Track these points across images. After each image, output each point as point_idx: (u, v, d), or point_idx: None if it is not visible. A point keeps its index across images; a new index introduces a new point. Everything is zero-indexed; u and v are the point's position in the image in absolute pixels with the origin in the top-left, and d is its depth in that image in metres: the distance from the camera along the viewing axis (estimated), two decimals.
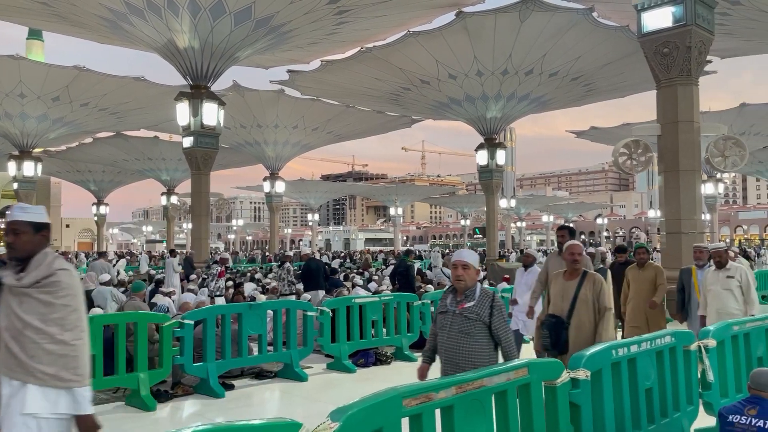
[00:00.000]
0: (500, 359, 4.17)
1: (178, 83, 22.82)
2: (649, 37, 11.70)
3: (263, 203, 54.99)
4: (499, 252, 33.33)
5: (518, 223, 72.92)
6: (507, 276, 15.51)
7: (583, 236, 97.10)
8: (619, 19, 19.74)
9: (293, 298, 12.25)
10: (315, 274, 13.19)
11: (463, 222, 76.80)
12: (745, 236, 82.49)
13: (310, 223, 69.14)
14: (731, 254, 12.22)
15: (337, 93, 27.40)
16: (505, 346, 4.17)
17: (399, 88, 25.18)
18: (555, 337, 5.24)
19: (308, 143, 34.62)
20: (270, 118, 30.50)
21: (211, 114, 19.92)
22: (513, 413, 3.57)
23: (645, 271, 8.11)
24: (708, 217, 40.81)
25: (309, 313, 8.71)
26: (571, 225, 7.07)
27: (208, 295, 12.80)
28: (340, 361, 8.78)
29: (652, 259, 9.88)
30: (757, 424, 3.79)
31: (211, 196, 23.86)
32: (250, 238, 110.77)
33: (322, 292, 12.88)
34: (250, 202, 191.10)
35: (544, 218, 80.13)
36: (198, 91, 19.84)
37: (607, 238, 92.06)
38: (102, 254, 23.25)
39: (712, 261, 7.43)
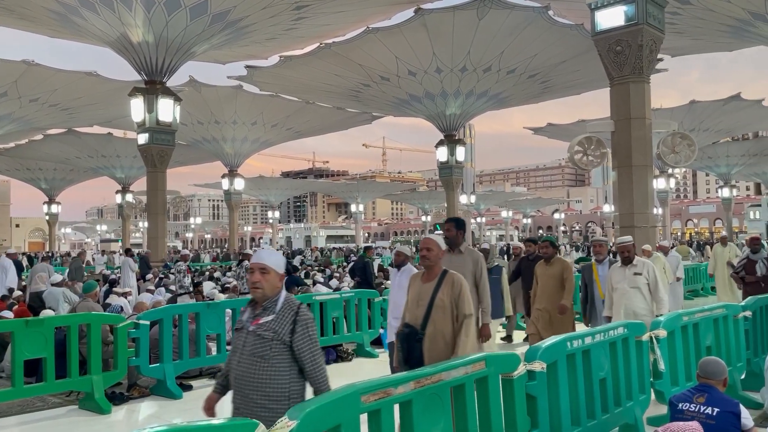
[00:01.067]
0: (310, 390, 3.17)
1: (133, 78, 22.29)
2: (603, 36, 11.96)
3: (222, 201, 54.18)
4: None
5: (478, 219, 73.72)
6: None
7: (540, 231, 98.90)
8: (574, 17, 20.13)
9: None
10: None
11: (424, 218, 77.28)
12: (696, 230, 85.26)
13: (271, 221, 68.54)
14: (666, 245, 12.52)
15: (297, 89, 27.20)
16: (310, 372, 3.09)
17: (359, 84, 25.16)
18: (407, 350, 4.35)
19: (267, 140, 34.29)
20: (228, 114, 30.08)
21: (167, 110, 19.53)
22: (471, 406, 3.61)
23: (551, 267, 7.37)
24: (660, 211, 42.04)
25: None
26: (459, 217, 6.21)
27: (181, 293, 12.60)
28: None
29: (611, 257, 10.08)
30: (705, 411, 3.91)
31: (168, 193, 23.38)
32: (209, 236, 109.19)
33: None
34: (209, 200, 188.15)
35: (504, 214, 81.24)
36: (153, 87, 19.42)
37: (564, 232, 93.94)
38: (80, 254, 22.53)
39: (618, 256, 6.91)
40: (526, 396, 3.95)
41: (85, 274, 18.54)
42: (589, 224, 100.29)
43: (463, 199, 46.61)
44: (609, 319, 6.62)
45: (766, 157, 44.66)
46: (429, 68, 23.28)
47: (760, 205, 62.53)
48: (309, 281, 15.54)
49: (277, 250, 36.03)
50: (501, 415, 3.78)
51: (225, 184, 35.50)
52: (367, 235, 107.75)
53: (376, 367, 8.96)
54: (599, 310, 7.23)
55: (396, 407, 3.18)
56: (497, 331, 10.17)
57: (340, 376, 8.15)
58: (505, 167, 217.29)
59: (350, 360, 9.31)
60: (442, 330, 4.36)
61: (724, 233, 12.28)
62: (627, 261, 6.65)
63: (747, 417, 3.94)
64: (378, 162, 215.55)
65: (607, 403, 4.70)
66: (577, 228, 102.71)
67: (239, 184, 35.54)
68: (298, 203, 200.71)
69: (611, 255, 9.47)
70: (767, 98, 33.19)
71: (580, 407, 4.41)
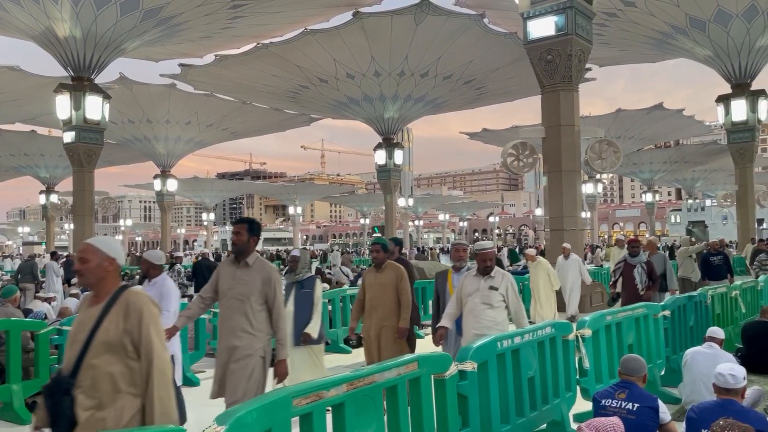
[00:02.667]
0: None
1: (59, 74, 21.32)
2: (534, 45, 12.33)
3: (154, 202, 52.56)
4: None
5: (416, 222, 74.47)
6: None
7: (476, 233, 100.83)
8: (508, 26, 20.68)
9: (185, 300, 11.82)
10: (206, 275, 12.79)
11: (362, 221, 77.34)
12: (622, 233, 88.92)
13: (205, 223, 66.99)
14: (531, 252, 12.56)
15: (233, 89, 26.73)
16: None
17: (297, 85, 24.98)
18: (51, 408, 2.67)
19: (202, 140, 33.51)
20: (161, 113, 29.22)
21: (95, 108, 18.79)
22: (403, 407, 3.65)
23: (382, 274, 6.06)
24: (588, 215, 43.72)
25: (201, 316, 8.42)
26: (252, 218, 4.80)
27: None
28: None
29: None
30: (626, 407, 4.10)
31: (96, 194, 22.52)
32: (139, 239, 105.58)
33: None
34: (140, 201, 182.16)
35: (441, 217, 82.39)
36: (80, 83, 18.64)
37: (499, 235, 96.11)
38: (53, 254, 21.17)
39: (475, 264, 5.65)
40: (457, 395, 4.02)
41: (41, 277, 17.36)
42: (522, 227, 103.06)
43: (401, 202, 47.01)
44: (443, 331, 5.69)
45: (687, 164, 47.15)
46: (367, 71, 23.37)
47: (680, 210, 65.87)
48: None
49: (213, 253, 35.22)
50: (433, 414, 3.84)
51: (157, 185, 34.46)
52: (305, 237, 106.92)
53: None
54: (453, 327, 5.78)
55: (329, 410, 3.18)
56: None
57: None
58: (443, 171, 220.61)
59: None
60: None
61: (620, 235, 12.33)
62: (485, 271, 5.48)
63: (665, 411, 4.15)
64: (317, 164, 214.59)
65: (535, 400, 4.84)
66: (510, 231, 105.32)
67: (172, 185, 34.58)
68: (234, 205, 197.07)
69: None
70: (687, 108, 35.13)
71: (509, 405, 4.53)
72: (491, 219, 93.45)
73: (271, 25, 21.66)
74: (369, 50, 21.87)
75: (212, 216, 61.34)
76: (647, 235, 11.46)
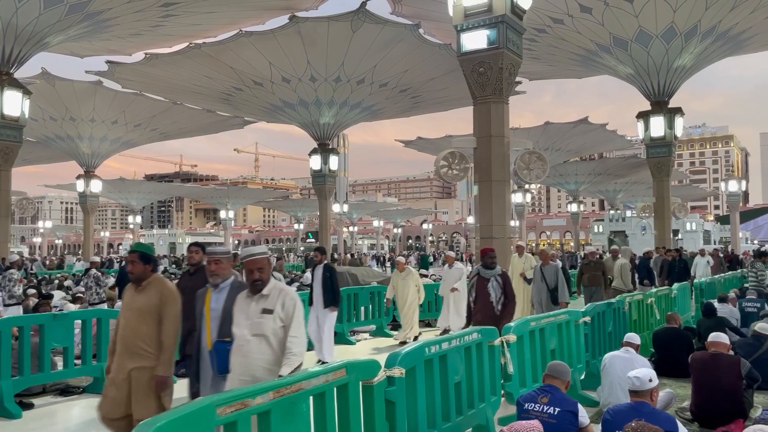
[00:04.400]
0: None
1: None
2: (467, 57, 12.59)
3: (77, 203, 50.26)
4: (332, 255, 33.75)
5: (351, 228, 74.44)
6: None
7: (410, 240, 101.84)
8: (443, 37, 21.07)
9: (105, 306, 11.36)
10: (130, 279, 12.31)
11: (296, 226, 76.66)
12: (548, 241, 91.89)
13: (131, 226, 64.56)
14: (452, 255, 12.31)
15: (163, 88, 25.97)
16: None
17: (230, 87, 24.54)
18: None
19: (130, 140, 32.35)
20: (85, 111, 28.02)
21: (14, 103, 17.85)
22: (331, 414, 3.64)
23: (140, 295, 4.49)
24: (517, 223, 45.00)
25: None
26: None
27: (10, 303, 11.40)
28: None
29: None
30: (548, 411, 4.25)
31: (13, 194, 21.29)
32: (60, 241, 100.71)
33: None
34: (61, 202, 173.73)
35: (375, 223, 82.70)
36: None
37: (432, 242, 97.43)
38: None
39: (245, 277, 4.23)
40: (385, 401, 4.05)
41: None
42: (455, 234, 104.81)
43: (336, 208, 46.96)
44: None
45: (609, 176, 49.33)
46: (303, 76, 23.24)
47: (603, 220, 68.74)
48: None
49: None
50: (360, 421, 3.85)
51: (80, 185, 32.96)
52: (237, 242, 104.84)
53: None
54: (208, 361, 4.43)
55: (254, 418, 3.14)
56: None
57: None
58: (378, 178, 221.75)
59: None
60: None
61: (520, 242, 12.40)
62: (254, 287, 4.09)
63: (584, 415, 4.32)
64: (250, 168, 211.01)
65: (461, 405, 4.94)
66: (443, 238, 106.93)
67: (96, 186, 33.15)
68: (163, 208, 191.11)
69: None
70: (610, 123, 36.80)
71: (436, 410, 4.59)
72: (425, 226, 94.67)
73: (204, 25, 21.21)
74: (305, 54, 21.76)
75: (139, 219, 59.13)
76: (519, 242, 11.42)
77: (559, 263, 10.95)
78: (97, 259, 14.33)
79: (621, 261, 14.23)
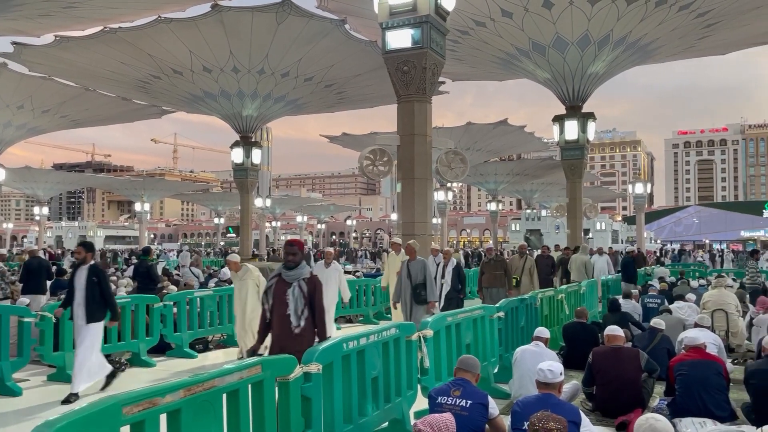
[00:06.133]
0: None
1: None
2: (392, 55, 12.69)
3: None
4: (253, 251, 33.23)
5: (273, 223, 73.39)
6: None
7: (334, 236, 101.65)
8: (369, 34, 21.12)
9: (8, 302, 10.71)
10: (36, 274, 11.67)
11: (217, 220, 74.73)
12: (468, 239, 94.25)
13: (38, 218, 60.89)
14: (332, 251, 10.89)
15: (75, 73, 24.62)
16: None
17: (148, 75, 23.58)
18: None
19: (37, 126, 30.45)
20: None
21: None
22: (245, 411, 3.59)
23: None
24: (439, 221, 45.85)
25: (26, 319, 7.71)
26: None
27: None
28: (63, 371, 7.92)
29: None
30: (460, 404, 4.36)
31: None
32: None
33: (44, 296, 11.47)
34: None
35: (299, 218, 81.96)
36: None
37: (356, 238, 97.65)
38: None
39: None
40: (301, 397, 4.04)
41: None
42: (378, 231, 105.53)
43: (259, 202, 46.20)
44: None
45: (527, 176, 51.10)
46: (225, 66, 22.65)
47: (520, 219, 71.19)
48: None
49: (42, 250, 32.07)
50: (275, 418, 3.82)
51: None
52: (153, 236, 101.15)
53: (154, 377, 8.49)
54: None
55: (163, 417, 3.05)
56: None
57: (111, 388, 7.55)
58: (302, 173, 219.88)
59: (123, 370, 8.66)
60: None
61: (396, 239, 10.98)
62: None
63: (493, 407, 4.47)
64: (168, 159, 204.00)
65: (378, 400, 4.99)
66: (367, 234, 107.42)
67: None
68: (73, 199, 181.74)
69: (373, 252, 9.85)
70: (528, 125, 38.09)
71: (352, 406, 4.62)
72: (349, 222, 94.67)
73: (120, 9, 20.24)
74: (228, 45, 21.21)
75: (46, 210, 55.84)
76: (396, 238, 10.70)
77: (454, 261, 10.59)
78: (4, 251, 13.47)
79: (581, 257, 15.03)
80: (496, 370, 7.40)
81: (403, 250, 10.55)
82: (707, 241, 67.51)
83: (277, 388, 3.88)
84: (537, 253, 18.42)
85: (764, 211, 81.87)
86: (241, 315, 9.28)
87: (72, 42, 21.24)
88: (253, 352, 5.46)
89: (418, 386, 5.66)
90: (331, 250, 11.24)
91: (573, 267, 15.31)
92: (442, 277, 10.28)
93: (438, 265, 10.59)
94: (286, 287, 5.46)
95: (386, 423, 5.22)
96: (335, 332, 11.00)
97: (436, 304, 9.28)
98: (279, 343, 5.32)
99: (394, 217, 68.75)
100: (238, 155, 27.04)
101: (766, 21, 20.31)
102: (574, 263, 15.31)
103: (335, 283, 10.28)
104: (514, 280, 12.23)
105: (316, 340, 5.37)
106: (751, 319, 9.77)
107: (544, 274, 14.74)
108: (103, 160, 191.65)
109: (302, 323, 5.37)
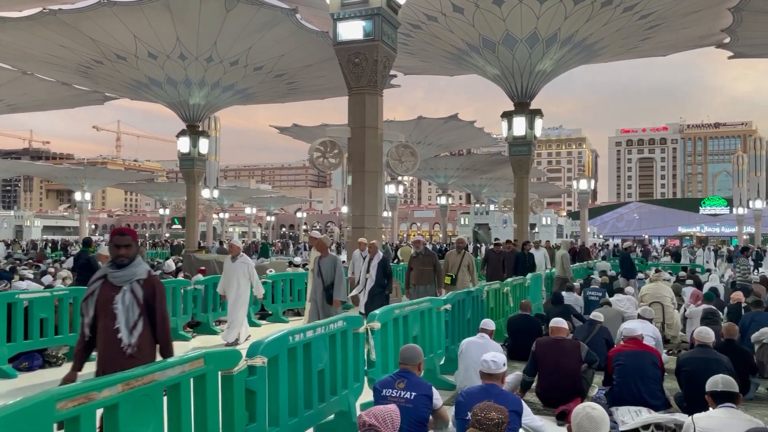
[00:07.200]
0: None
1: None
2: (343, 46, 12.64)
3: None
4: (199, 243, 32.55)
5: (221, 214, 72.10)
6: (203, 268, 15.23)
7: (283, 228, 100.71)
8: (320, 24, 20.93)
9: None
10: None
11: (162, 211, 72.97)
12: (418, 231, 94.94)
13: None
14: (238, 246, 9.87)
15: (11, 56, 23.49)
16: None
17: (90, 60, 22.74)
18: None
19: None
20: None
21: None
22: (186, 405, 3.52)
23: None
24: (389, 214, 46.05)
25: None
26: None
27: None
28: None
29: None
30: (404, 396, 4.39)
31: None
32: None
33: None
34: None
35: (248, 210, 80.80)
36: None
37: (306, 230, 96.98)
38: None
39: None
40: (246, 391, 3.98)
41: None
42: (329, 224, 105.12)
43: (206, 193, 45.31)
44: None
45: (476, 171, 51.84)
46: (172, 53, 22.06)
47: (469, 213, 72.17)
48: (16, 277, 13.57)
49: None
50: (218, 412, 3.76)
51: None
52: (94, 227, 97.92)
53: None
54: None
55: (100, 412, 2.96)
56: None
57: (47, 384, 7.28)
58: (251, 164, 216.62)
59: (60, 365, 8.38)
60: None
61: (314, 233, 9.54)
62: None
63: (438, 398, 4.52)
64: (111, 147, 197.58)
65: (324, 392, 4.97)
66: (317, 227, 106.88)
67: None
68: (9, 187, 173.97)
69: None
70: (478, 120, 38.59)
71: (298, 399, 4.59)
72: (299, 214, 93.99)
73: None
74: (174, 31, 20.65)
75: None
76: (314, 232, 10.43)
77: (380, 255, 9.70)
78: None
79: (561, 252, 15.26)
80: (442, 362, 7.49)
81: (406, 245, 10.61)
82: (646, 236, 70.04)
83: (220, 382, 3.81)
84: (489, 247, 18.53)
85: (701, 208, 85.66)
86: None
87: (8, 23, 20.25)
88: (67, 381, 3.92)
89: (365, 378, 5.67)
90: (238, 243, 10.45)
91: (557, 262, 15.59)
92: (367, 271, 9.60)
93: (364, 259, 9.89)
94: (113, 293, 3.96)
95: (332, 415, 5.21)
96: (250, 330, 10.39)
97: (341, 303, 8.62)
98: (104, 366, 3.93)
99: (344, 209, 68.56)
100: (184, 144, 26.42)
101: (705, 25, 21.16)
102: (558, 259, 15.66)
103: (245, 277, 9.77)
104: (448, 278, 11.18)
105: (158, 359, 4.02)
106: (685, 311, 10.20)
107: (496, 270, 13.84)
108: (41, 147, 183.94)
109: (134, 340, 3.93)
